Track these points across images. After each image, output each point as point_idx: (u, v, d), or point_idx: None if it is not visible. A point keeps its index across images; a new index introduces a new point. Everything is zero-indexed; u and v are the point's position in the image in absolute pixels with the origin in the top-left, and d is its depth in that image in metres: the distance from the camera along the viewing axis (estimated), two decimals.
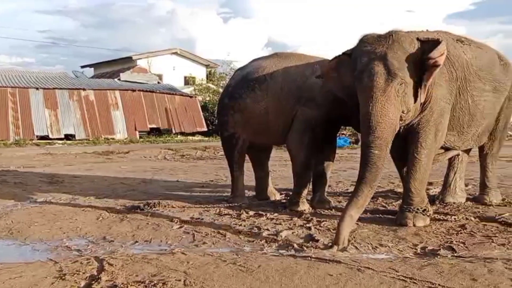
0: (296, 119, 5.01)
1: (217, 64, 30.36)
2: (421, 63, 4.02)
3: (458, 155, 5.37)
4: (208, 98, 23.72)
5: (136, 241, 4.00)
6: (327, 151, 5.26)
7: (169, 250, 3.68)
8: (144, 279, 3.00)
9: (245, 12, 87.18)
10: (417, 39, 4.10)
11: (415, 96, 4.07)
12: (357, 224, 4.31)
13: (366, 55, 4.06)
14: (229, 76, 22.20)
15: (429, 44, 4.08)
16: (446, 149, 5.09)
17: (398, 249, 3.65)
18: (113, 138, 18.97)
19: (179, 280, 2.96)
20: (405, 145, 4.40)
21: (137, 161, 11.74)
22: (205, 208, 5.20)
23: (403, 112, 4.03)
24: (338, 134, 5.98)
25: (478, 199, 5.29)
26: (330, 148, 5.31)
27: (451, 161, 5.43)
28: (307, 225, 4.39)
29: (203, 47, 60.67)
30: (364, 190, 3.82)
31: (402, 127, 4.27)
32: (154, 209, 5.18)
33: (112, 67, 27.07)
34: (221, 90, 21.82)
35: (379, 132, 3.88)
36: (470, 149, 5.42)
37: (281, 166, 9.06)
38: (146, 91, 21.07)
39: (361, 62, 4.07)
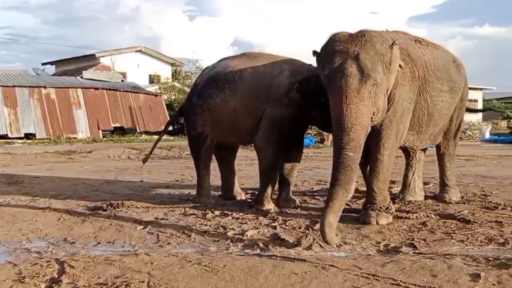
0: (263, 119, 5.02)
1: (182, 63, 30.14)
2: (390, 66, 4.04)
3: (415, 154, 5.50)
4: (173, 97, 23.52)
5: (99, 243, 3.92)
6: (294, 150, 5.29)
7: (132, 251, 3.62)
8: (107, 281, 2.94)
9: (211, 10, 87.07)
10: (392, 42, 4.09)
11: (385, 97, 4.09)
12: None
13: (338, 54, 3.99)
14: (195, 74, 22.10)
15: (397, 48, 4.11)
16: (405, 149, 5.21)
17: (362, 247, 3.70)
18: (75, 138, 18.58)
19: (143, 282, 2.92)
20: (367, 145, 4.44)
21: (100, 160, 11.52)
22: (170, 208, 5.15)
23: (373, 113, 4.01)
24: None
25: (439, 197, 5.44)
26: (297, 148, 5.34)
27: (409, 161, 5.56)
28: (273, 224, 4.40)
29: (168, 45, 60.32)
30: (339, 193, 3.77)
31: None
32: (117, 209, 5.08)
33: (75, 65, 26.50)
34: (186, 88, 21.70)
35: (353, 134, 3.83)
36: (426, 148, 5.56)
37: (247, 166, 9.07)
38: (110, 89, 20.73)
39: (333, 62, 3.99)
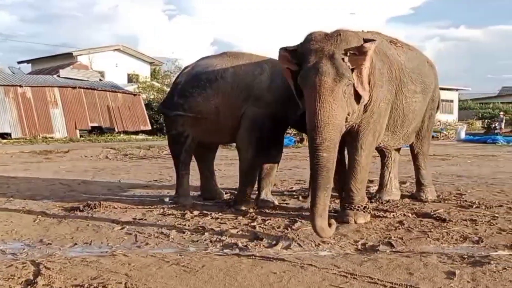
0: (244, 118, 5.01)
1: (161, 62, 29.95)
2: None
3: (391, 154, 5.54)
4: (152, 96, 23.33)
5: (75, 244, 3.87)
6: (274, 150, 5.29)
7: (110, 252, 3.58)
8: (83, 282, 2.91)
9: (190, 10, 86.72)
10: (364, 39, 4.09)
11: (360, 97, 4.07)
12: (301, 222, 4.39)
13: (314, 53, 3.97)
14: (174, 74, 21.95)
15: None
16: (380, 149, 5.24)
17: (340, 246, 3.73)
18: (52, 137, 18.28)
19: (120, 283, 2.89)
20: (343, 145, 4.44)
21: (77, 160, 11.37)
22: (148, 209, 5.11)
23: (348, 114, 4.00)
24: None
25: (415, 196, 5.53)
26: (277, 148, 5.34)
27: (385, 161, 5.62)
28: (252, 224, 4.41)
29: (147, 44, 59.83)
30: (320, 195, 3.77)
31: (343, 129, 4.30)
32: (94, 210, 5.03)
33: (51, 63, 26.04)
34: (166, 88, 21.53)
35: (326, 134, 3.80)
36: (400, 148, 5.61)
37: (226, 165, 9.05)
38: (87, 88, 20.45)
39: (308, 61, 3.98)
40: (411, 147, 5.54)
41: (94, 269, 3.14)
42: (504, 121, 22.57)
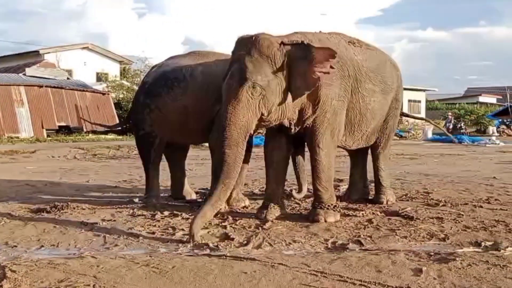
0: (218, 119, 4.98)
1: (131, 61, 29.51)
2: (284, 67, 4.12)
3: (359, 153, 5.55)
4: (122, 96, 22.99)
5: (42, 246, 3.78)
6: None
7: (78, 254, 3.52)
8: (50, 285, 2.85)
9: (160, 8, 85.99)
10: (281, 42, 4.16)
11: (279, 98, 4.14)
12: (272, 221, 4.40)
13: (231, 57, 4.27)
14: (144, 73, 21.68)
15: (293, 47, 4.17)
16: (348, 148, 5.26)
17: (310, 245, 3.77)
18: (17, 137, 17.81)
19: (88, 285, 2.85)
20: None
21: (44, 161, 11.12)
22: (118, 210, 5.03)
23: (262, 114, 4.14)
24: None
25: (375, 200, 5.37)
26: (246, 147, 5.32)
27: (354, 160, 5.66)
28: (223, 224, 4.40)
29: (116, 42, 59.07)
30: (218, 187, 3.99)
31: (296, 129, 4.44)
32: (62, 211, 4.92)
33: (17, 61, 25.39)
34: (135, 87, 21.26)
35: (229, 132, 4.04)
36: (367, 148, 5.52)
37: (197, 165, 9.01)
38: (54, 87, 20.02)
39: (229, 65, 4.25)
40: (373, 147, 5.42)
41: (61, 272, 3.08)
42: (452, 121, 23.37)
